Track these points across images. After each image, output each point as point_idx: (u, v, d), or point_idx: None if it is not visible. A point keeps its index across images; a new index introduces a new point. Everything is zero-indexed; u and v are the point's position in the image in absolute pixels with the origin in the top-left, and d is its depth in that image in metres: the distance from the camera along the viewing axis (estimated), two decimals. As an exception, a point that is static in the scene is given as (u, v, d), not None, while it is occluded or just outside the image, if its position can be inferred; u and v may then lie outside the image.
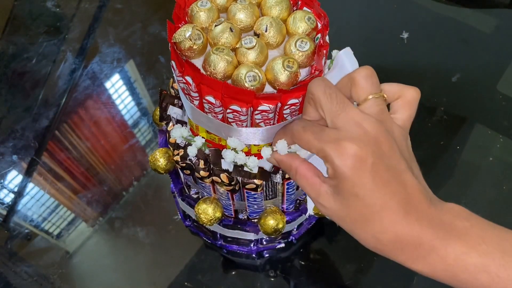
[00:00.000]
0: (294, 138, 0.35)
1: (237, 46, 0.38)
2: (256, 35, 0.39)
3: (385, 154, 0.31)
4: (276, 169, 0.42)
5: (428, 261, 0.31)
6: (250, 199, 0.45)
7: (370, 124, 0.32)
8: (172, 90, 0.49)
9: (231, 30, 0.38)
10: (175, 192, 0.51)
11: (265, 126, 0.38)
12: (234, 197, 0.46)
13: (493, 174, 0.62)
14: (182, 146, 0.44)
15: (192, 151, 0.42)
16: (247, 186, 0.42)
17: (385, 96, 0.34)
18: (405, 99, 0.35)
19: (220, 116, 0.38)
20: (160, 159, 0.47)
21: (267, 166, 0.42)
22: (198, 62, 0.39)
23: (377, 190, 0.31)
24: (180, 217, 0.58)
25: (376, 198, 0.31)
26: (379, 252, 0.33)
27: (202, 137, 0.42)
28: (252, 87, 0.36)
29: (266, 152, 0.39)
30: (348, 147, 0.31)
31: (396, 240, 0.31)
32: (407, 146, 0.34)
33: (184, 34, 0.37)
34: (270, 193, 0.46)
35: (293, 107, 0.37)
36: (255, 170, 0.42)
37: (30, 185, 0.63)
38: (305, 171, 0.35)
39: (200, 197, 0.50)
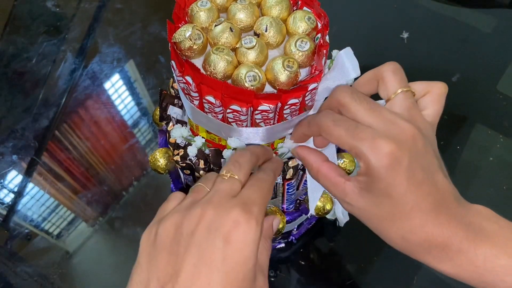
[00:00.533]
0: (322, 131, 0.34)
1: (237, 46, 0.38)
2: (256, 35, 0.39)
3: (420, 153, 0.31)
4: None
5: (456, 262, 0.31)
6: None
7: (405, 123, 0.31)
8: (172, 90, 0.49)
9: (231, 30, 0.38)
10: (175, 192, 0.51)
11: (265, 126, 0.38)
12: (234, 197, 0.46)
13: (493, 174, 0.62)
14: (182, 146, 0.44)
15: (192, 151, 0.42)
16: (247, 186, 0.42)
17: (414, 91, 0.34)
18: (434, 94, 0.35)
19: (220, 116, 0.38)
20: (160, 159, 0.47)
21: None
22: (198, 62, 0.39)
23: (411, 191, 0.30)
24: (180, 217, 0.58)
25: (409, 199, 0.30)
26: (405, 252, 0.33)
27: (202, 137, 0.42)
28: (252, 87, 0.36)
29: (288, 143, 0.39)
30: (384, 145, 0.30)
31: (425, 240, 0.31)
32: (436, 143, 0.34)
33: (184, 34, 0.37)
34: (270, 193, 0.46)
35: (293, 107, 0.37)
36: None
37: (30, 185, 0.63)
38: (327, 170, 0.35)
39: (200, 197, 0.50)
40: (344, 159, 0.47)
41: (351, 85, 0.47)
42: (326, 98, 0.41)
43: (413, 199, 0.30)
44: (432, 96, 0.35)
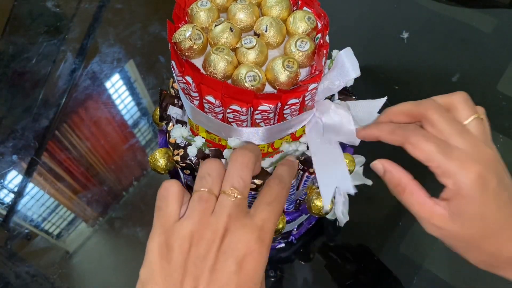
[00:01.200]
0: (408, 143, 0.34)
1: (237, 46, 0.38)
2: (256, 35, 0.39)
3: (501, 176, 0.33)
4: None
5: None
6: (250, 199, 0.45)
7: (486, 147, 0.33)
8: (172, 90, 0.49)
9: (231, 30, 0.38)
10: (175, 192, 0.51)
11: (265, 126, 0.38)
12: (234, 197, 0.45)
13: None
14: (182, 146, 0.44)
15: (192, 151, 0.42)
16: (247, 186, 0.42)
17: (483, 117, 0.35)
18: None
19: (220, 116, 0.38)
20: (160, 159, 0.47)
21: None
22: (198, 62, 0.39)
23: (499, 211, 0.32)
24: (180, 217, 0.58)
25: (498, 218, 0.32)
26: (492, 270, 0.34)
27: (202, 137, 0.42)
28: (252, 87, 0.36)
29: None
30: (475, 167, 0.31)
31: None
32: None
33: (184, 34, 0.37)
34: (270, 193, 0.46)
35: (293, 107, 0.37)
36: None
37: (30, 185, 0.63)
38: (416, 190, 0.34)
39: (200, 197, 0.50)
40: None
41: (349, 88, 0.47)
42: (326, 98, 0.41)
43: (502, 218, 0.32)
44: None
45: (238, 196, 0.31)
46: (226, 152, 0.41)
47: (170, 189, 0.31)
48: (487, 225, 0.32)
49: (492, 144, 0.34)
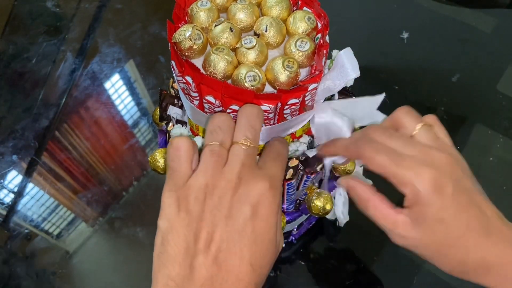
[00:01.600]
0: (363, 158, 0.35)
1: (237, 46, 0.38)
2: (256, 35, 0.39)
3: (459, 178, 0.33)
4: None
5: None
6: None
7: (437, 152, 0.33)
8: (172, 90, 0.49)
9: (231, 30, 0.38)
10: (175, 192, 0.51)
11: (265, 126, 0.38)
12: (234, 197, 0.45)
13: (493, 174, 0.62)
14: (182, 146, 0.44)
15: (192, 151, 0.42)
16: (247, 186, 0.42)
17: (432, 123, 0.36)
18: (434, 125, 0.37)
19: (220, 116, 0.38)
20: (159, 159, 0.47)
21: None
22: (198, 62, 0.39)
23: (460, 214, 0.32)
24: (180, 217, 0.58)
25: (460, 222, 0.32)
26: (464, 277, 0.33)
27: (202, 137, 0.42)
28: (252, 87, 0.36)
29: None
30: (428, 172, 0.31)
31: (483, 261, 0.32)
32: (467, 167, 0.35)
33: (184, 34, 0.37)
34: (270, 193, 0.46)
35: (293, 107, 0.37)
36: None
37: (30, 185, 0.63)
38: (378, 203, 0.35)
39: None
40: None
41: (349, 88, 0.47)
42: (326, 99, 0.41)
43: (464, 221, 0.32)
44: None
45: (251, 145, 0.32)
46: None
47: (182, 148, 0.32)
48: (449, 230, 0.32)
49: (449, 147, 0.35)
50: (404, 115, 0.36)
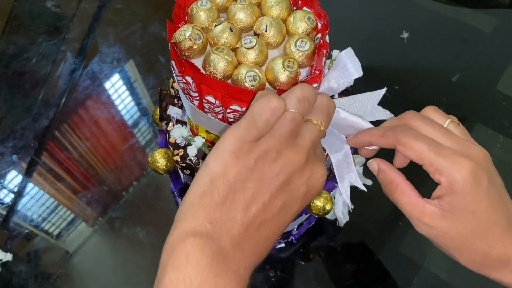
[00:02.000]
0: (400, 144, 0.34)
1: (237, 46, 0.38)
2: (256, 35, 0.39)
3: (492, 174, 0.33)
4: None
5: None
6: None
7: (475, 146, 0.34)
8: (172, 90, 0.49)
9: (231, 30, 0.38)
10: (175, 192, 0.51)
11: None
12: (234, 197, 0.45)
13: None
14: (182, 146, 0.44)
15: (192, 151, 0.42)
16: (247, 186, 0.42)
17: (458, 122, 0.36)
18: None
19: (220, 116, 0.38)
20: (159, 160, 0.47)
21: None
22: (198, 62, 0.39)
23: (491, 207, 0.32)
24: (180, 217, 0.58)
25: (490, 215, 0.32)
26: (482, 270, 0.34)
27: (202, 137, 0.42)
28: (252, 87, 0.36)
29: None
30: (467, 163, 0.32)
31: (504, 254, 0.32)
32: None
33: (184, 34, 0.37)
34: (270, 193, 0.46)
35: (293, 107, 0.37)
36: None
37: (30, 185, 0.63)
38: (407, 189, 0.35)
39: (200, 197, 0.50)
40: None
41: (350, 88, 0.47)
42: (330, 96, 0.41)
43: (494, 215, 0.32)
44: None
45: (324, 130, 0.33)
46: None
47: (276, 111, 0.31)
48: (478, 222, 0.32)
49: (478, 144, 0.35)
50: (433, 110, 0.36)
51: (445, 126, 0.35)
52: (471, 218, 0.32)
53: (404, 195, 0.35)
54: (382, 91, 0.40)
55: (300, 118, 0.31)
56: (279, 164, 0.30)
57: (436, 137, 0.34)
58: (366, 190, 0.42)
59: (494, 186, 0.33)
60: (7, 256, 0.56)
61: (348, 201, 0.45)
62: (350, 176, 0.42)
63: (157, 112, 0.50)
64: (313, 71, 0.38)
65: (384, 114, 0.40)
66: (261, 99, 0.31)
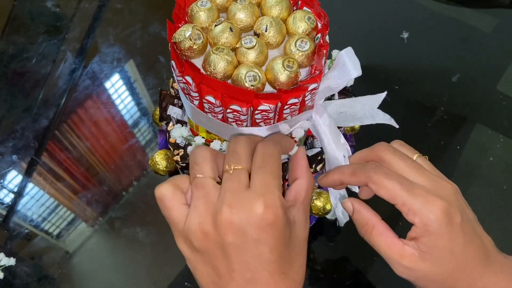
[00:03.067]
0: (372, 182, 0.34)
1: (237, 46, 0.38)
2: (256, 35, 0.39)
3: (464, 209, 0.33)
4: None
5: None
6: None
7: (444, 182, 0.33)
8: (172, 90, 0.49)
9: (231, 30, 0.38)
10: (175, 192, 0.51)
11: (265, 125, 0.38)
12: (234, 197, 0.45)
13: (493, 174, 0.62)
14: (182, 146, 0.44)
15: (192, 151, 0.42)
16: (247, 186, 0.42)
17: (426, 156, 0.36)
18: None
19: (220, 116, 0.38)
20: (159, 161, 0.47)
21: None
22: (198, 62, 0.39)
23: (467, 245, 0.32)
24: (180, 217, 0.58)
25: (467, 252, 0.32)
26: None
27: (202, 137, 0.42)
28: (252, 87, 0.36)
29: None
30: (439, 203, 0.31)
31: None
32: None
33: (184, 34, 0.37)
34: (270, 193, 0.46)
35: (293, 106, 0.37)
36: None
37: (30, 185, 0.63)
38: (384, 230, 0.34)
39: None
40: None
41: (350, 88, 0.47)
42: (326, 98, 0.41)
43: (471, 252, 0.32)
44: None
45: (236, 167, 0.30)
46: (213, 144, 0.41)
47: (165, 199, 0.31)
48: (457, 261, 0.32)
49: (447, 179, 0.34)
50: (400, 146, 0.36)
51: (414, 158, 0.35)
52: (450, 257, 0.31)
53: (381, 236, 0.34)
54: (382, 95, 0.40)
55: (201, 181, 0.30)
56: (212, 234, 0.29)
57: (408, 173, 0.33)
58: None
59: (468, 222, 0.32)
60: (10, 261, 0.56)
61: (337, 204, 0.45)
62: None
63: (157, 112, 0.50)
64: (313, 71, 0.38)
65: (384, 118, 0.40)
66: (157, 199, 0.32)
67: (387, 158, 0.34)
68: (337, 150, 0.40)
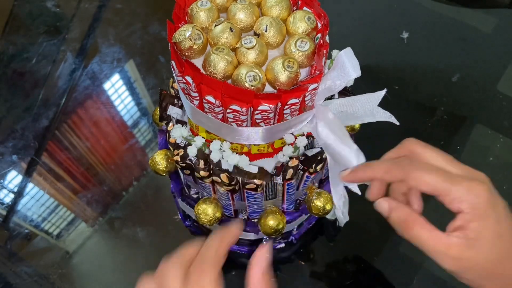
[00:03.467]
0: (411, 177, 0.33)
1: (237, 46, 0.38)
2: (256, 35, 0.39)
3: (498, 194, 0.33)
4: (278, 172, 0.42)
5: None
6: (250, 199, 0.45)
7: (476, 171, 0.33)
8: (172, 90, 0.49)
9: (231, 30, 0.38)
10: (175, 192, 0.51)
11: (265, 126, 0.38)
12: (234, 197, 0.46)
13: (493, 174, 0.61)
14: (182, 146, 0.44)
15: (192, 151, 0.42)
16: (247, 186, 0.42)
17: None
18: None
19: (220, 116, 0.38)
20: (159, 161, 0.47)
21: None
22: (198, 62, 0.39)
23: (510, 228, 0.32)
24: (180, 217, 0.58)
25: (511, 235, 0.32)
26: None
27: (202, 137, 0.42)
28: (252, 87, 0.36)
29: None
30: (482, 187, 0.31)
31: None
32: None
33: (184, 34, 0.37)
34: (270, 193, 0.46)
35: (293, 107, 0.37)
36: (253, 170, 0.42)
37: (30, 185, 0.63)
38: (426, 224, 0.33)
39: (200, 197, 0.50)
40: None
41: (350, 88, 0.47)
42: (326, 98, 0.41)
43: None
44: None
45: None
46: (213, 145, 0.41)
47: None
48: (504, 245, 0.32)
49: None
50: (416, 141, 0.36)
51: None
52: (498, 241, 0.31)
53: (424, 230, 0.33)
54: (382, 93, 0.40)
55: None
56: None
57: (442, 163, 0.33)
58: (360, 193, 0.41)
59: (505, 206, 0.33)
60: None
61: (339, 204, 0.45)
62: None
63: (157, 112, 0.50)
64: (313, 71, 0.38)
65: (384, 115, 0.40)
66: None
67: (420, 151, 0.34)
68: (348, 149, 0.39)
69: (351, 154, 0.39)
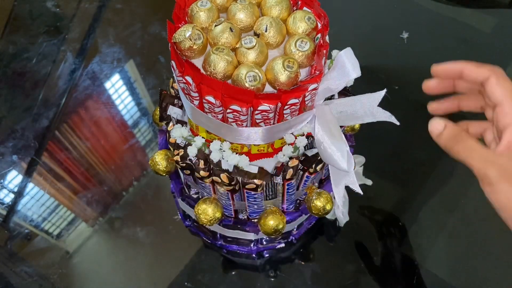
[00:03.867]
0: (495, 75, 0.37)
1: (237, 46, 0.38)
2: (256, 35, 0.39)
3: None
4: (278, 172, 0.42)
5: None
6: (250, 199, 0.45)
7: None
8: (172, 90, 0.49)
9: (231, 30, 0.38)
10: (175, 192, 0.51)
11: (265, 126, 0.38)
12: (234, 197, 0.46)
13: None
14: (182, 146, 0.44)
15: (192, 151, 0.42)
16: (247, 186, 0.42)
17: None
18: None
19: (220, 116, 0.38)
20: (159, 161, 0.47)
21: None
22: (198, 62, 0.39)
23: None
24: (180, 217, 0.58)
25: None
26: None
27: (202, 137, 0.42)
28: (252, 87, 0.36)
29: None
30: None
31: None
32: None
33: (184, 34, 0.37)
34: (270, 193, 0.46)
35: (293, 107, 0.37)
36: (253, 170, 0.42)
37: (30, 185, 0.63)
38: (477, 140, 0.34)
39: (200, 197, 0.50)
40: None
41: (349, 88, 0.47)
42: (326, 98, 0.41)
43: None
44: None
45: None
46: (213, 145, 0.41)
47: None
48: None
49: None
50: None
51: None
52: None
53: (475, 141, 0.34)
54: (382, 93, 0.40)
55: None
56: None
57: None
58: (362, 193, 0.41)
59: None
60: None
61: (340, 203, 0.45)
62: (347, 178, 0.42)
63: (157, 112, 0.50)
64: (313, 71, 0.38)
65: (384, 115, 0.40)
66: None
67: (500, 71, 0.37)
68: (339, 153, 0.39)
69: (342, 159, 0.39)
